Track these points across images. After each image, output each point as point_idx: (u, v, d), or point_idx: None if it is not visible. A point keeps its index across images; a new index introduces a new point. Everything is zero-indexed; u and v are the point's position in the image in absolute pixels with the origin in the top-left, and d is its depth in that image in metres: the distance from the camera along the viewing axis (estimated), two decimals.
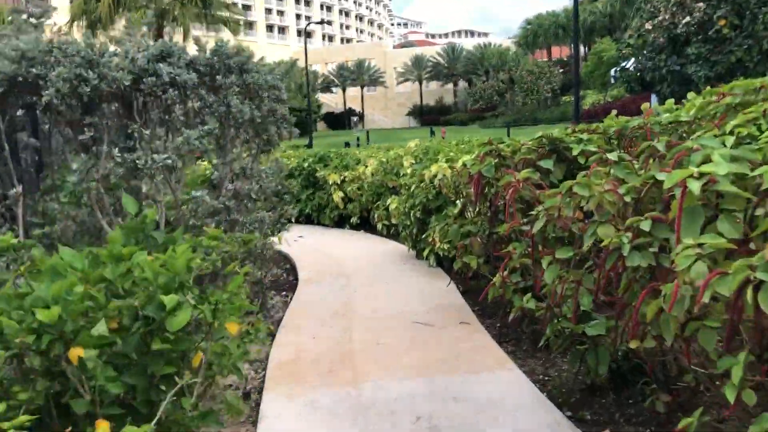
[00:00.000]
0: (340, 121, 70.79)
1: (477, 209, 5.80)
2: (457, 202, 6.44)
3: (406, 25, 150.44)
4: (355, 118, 71.14)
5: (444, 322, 5.32)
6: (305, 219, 11.46)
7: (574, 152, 4.49)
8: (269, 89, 6.00)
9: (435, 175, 6.86)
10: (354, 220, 10.66)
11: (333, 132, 63.90)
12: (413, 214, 7.61)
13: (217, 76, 5.26)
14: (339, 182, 10.64)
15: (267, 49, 65.05)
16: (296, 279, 7.59)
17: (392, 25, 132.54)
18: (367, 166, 10.27)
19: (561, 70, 60.96)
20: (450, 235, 6.03)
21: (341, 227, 11.17)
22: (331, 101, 74.34)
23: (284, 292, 7.09)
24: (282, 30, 75.66)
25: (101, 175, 4.68)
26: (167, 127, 5.15)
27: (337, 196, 10.63)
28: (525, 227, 4.04)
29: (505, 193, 4.22)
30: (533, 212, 3.66)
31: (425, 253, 7.49)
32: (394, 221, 8.97)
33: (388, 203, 9.09)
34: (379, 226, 9.61)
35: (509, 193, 4.14)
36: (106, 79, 4.52)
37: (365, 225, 10.74)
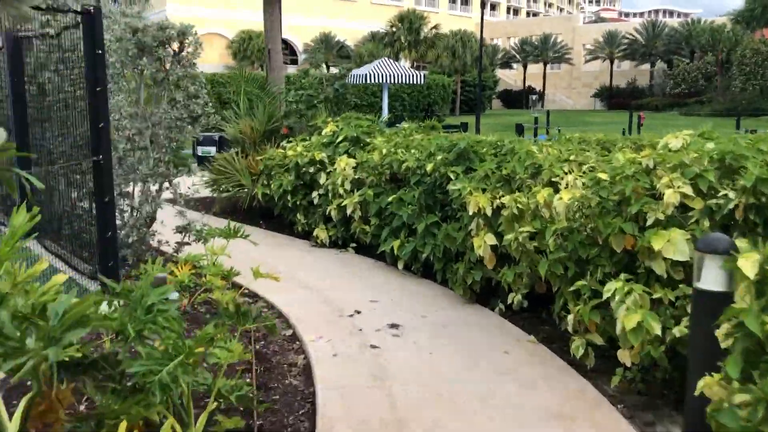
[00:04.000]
0: (518, 99, 66.43)
1: None
2: None
3: (598, 2, 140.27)
4: (534, 97, 66.42)
5: None
6: (423, 270, 6.49)
7: None
8: None
9: None
10: (516, 298, 5.10)
11: (508, 111, 59.89)
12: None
13: None
14: (490, 212, 5.20)
15: (447, 19, 62.20)
16: None
17: (584, 1, 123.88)
18: (565, 190, 4.58)
19: None
20: None
21: (485, 302, 5.66)
22: (509, 78, 70.08)
23: None
24: (465, 1, 72.23)
25: None
26: None
27: (483, 241, 5.22)
28: None
29: None
30: None
31: None
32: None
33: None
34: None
35: None
36: None
37: (539, 307, 5.31)
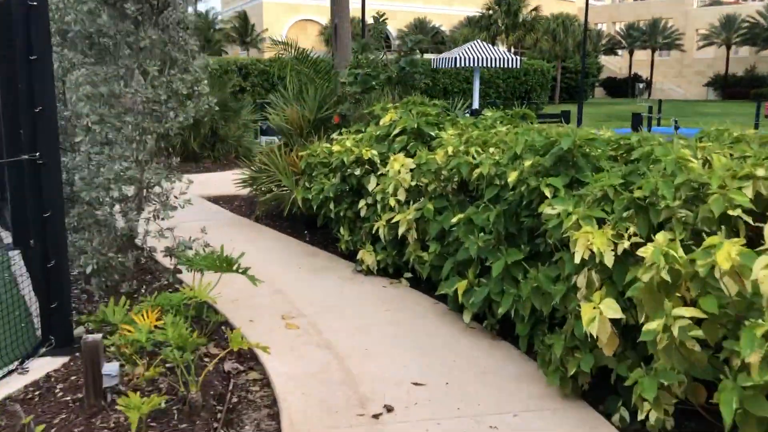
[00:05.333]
0: (622, 87, 62.23)
1: None
2: None
3: None
4: (641, 85, 62.05)
5: None
6: (500, 326, 4.44)
7: None
8: None
9: None
10: (655, 416, 2.84)
11: (611, 100, 56.06)
12: None
13: None
14: (611, 260, 3.05)
15: (548, 2, 58.75)
16: None
17: None
18: None
19: None
20: None
21: (595, 397, 3.54)
22: (613, 65, 65.80)
23: None
24: None
25: None
26: None
27: (598, 311, 3.00)
28: None
29: None
30: None
31: None
32: None
33: None
34: None
35: None
36: None
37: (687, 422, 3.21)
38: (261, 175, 8.14)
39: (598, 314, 2.96)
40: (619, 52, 66.42)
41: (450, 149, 5.00)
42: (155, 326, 3.98)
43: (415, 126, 5.90)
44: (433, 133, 5.91)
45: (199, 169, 13.69)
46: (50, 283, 4.24)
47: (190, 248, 4.99)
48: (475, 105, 22.88)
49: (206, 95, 4.39)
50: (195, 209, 9.23)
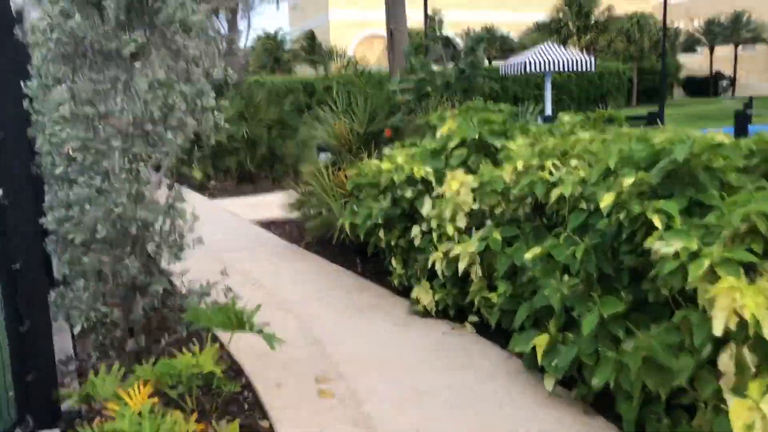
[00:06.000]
0: (702, 86, 59.11)
1: None
2: None
3: None
4: (724, 83, 58.89)
5: None
6: (594, 398, 3.29)
7: None
8: None
9: None
10: None
11: (692, 99, 53.29)
12: None
13: None
14: None
15: (620, 1, 56.60)
16: None
17: None
18: None
19: None
20: None
21: None
22: (692, 63, 62.72)
23: None
24: None
25: None
26: None
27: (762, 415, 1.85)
28: None
29: None
30: None
31: None
32: None
33: None
34: None
35: None
36: None
37: None
38: (309, 198, 7.28)
39: (758, 419, 1.89)
40: (698, 49, 63.38)
41: (520, 164, 3.97)
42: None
43: (476, 136, 4.89)
44: (498, 144, 4.88)
45: (255, 191, 13.03)
46: (25, 351, 3.45)
47: (208, 294, 4.13)
48: (548, 111, 21.57)
49: (211, 110, 3.53)
50: (241, 235, 8.48)
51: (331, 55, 41.64)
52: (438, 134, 5.62)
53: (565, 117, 5.56)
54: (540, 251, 3.44)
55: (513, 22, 53.39)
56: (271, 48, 48.71)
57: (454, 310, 4.75)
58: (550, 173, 3.75)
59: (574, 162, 3.81)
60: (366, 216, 5.49)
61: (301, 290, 5.83)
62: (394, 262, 5.41)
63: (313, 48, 49.41)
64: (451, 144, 5.05)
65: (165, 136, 3.48)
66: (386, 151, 6.33)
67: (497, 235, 4.05)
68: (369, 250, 5.89)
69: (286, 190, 12.40)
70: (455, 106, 6.77)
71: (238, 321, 3.37)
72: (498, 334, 4.34)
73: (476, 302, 4.36)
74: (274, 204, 10.73)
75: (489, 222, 4.34)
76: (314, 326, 4.86)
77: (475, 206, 4.40)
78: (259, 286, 6.04)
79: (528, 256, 3.52)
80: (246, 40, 14.62)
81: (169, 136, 3.47)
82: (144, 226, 3.61)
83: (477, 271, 4.25)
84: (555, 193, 3.48)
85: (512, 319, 3.94)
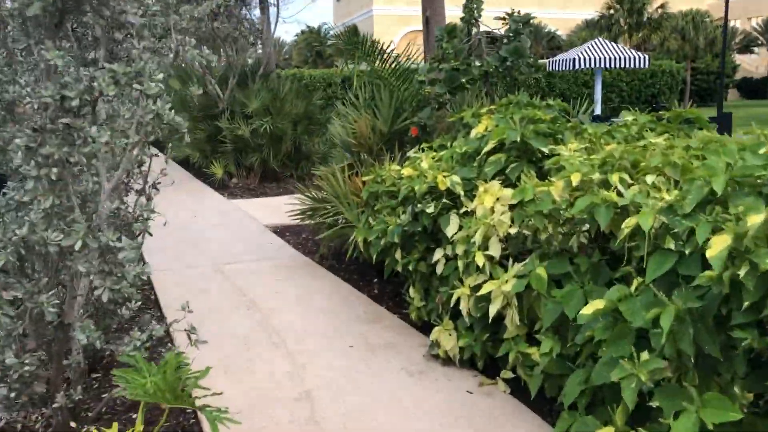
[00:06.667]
0: (759, 88, 56.63)
1: None
2: None
3: None
4: None
5: None
6: None
7: None
8: None
9: None
10: None
11: (748, 102, 50.98)
12: None
13: None
14: None
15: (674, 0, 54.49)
16: None
17: None
18: None
19: None
20: None
21: None
22: (748, 64, 60.19)
23: None
24: None
25: None
26: None
27: None
28: None
29: None
30: None
31: None
32: None
33: None
34: None
35: None
36: None
37: None
38: (323, 205, 6.31)
39: None
40: (756, 49, 60.78)
41: (576, 177, 2.93)
42: None
43: (518, 138, 3.85)
44: (546, 149, 3.84)
45: (278, 191, 12.15)
46: None
47: (152, 339, 3.19)
48: (597, 111, 20.26)
49: (154, 97, 2.59)
50: (251, 243, 7.55)
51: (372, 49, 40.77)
52: (473, 134, 4.60)
53: (628, 116, 4.47)
54: (604, 306, 2.41)
55: (560, 19, 51.87)
56: (313, 42, 48.04)
57: (483, 360, 3.73)
58: (618, 193, 2.72)
59: (650, 178, 2.76)
60: (381, 231, 4.50)
61: (302, 317, 4.88)
62: (412, 291, 4.41)
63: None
64: (486, 148, 4.02)
65: (88, 132, 2.55)
66: (411, 153, 5.33)
67: (542, 272, 3.02)
68: (386, 272, 4.89)
69: (302, 192, 11.43)
70: (495, 102, 5.73)
71: (173, 394, 2.41)
72: (541, 398, 3.31)
73: (511, 358, 3.33)
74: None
75: (531, 252, 3.31)
76: (309, 371, 3.90)
77: (513, 230, 3.38)
78: (254, 310, 5.11)
79: (587, 312, 2.48)
80: (274, 28, 13.63)
81: (94, 132, 2.54)
82: (63, 252, 2.69)
83: (513, 317, 3.23)
84: (628, 224, 2.44)
85: (560, 386, 2.93)
